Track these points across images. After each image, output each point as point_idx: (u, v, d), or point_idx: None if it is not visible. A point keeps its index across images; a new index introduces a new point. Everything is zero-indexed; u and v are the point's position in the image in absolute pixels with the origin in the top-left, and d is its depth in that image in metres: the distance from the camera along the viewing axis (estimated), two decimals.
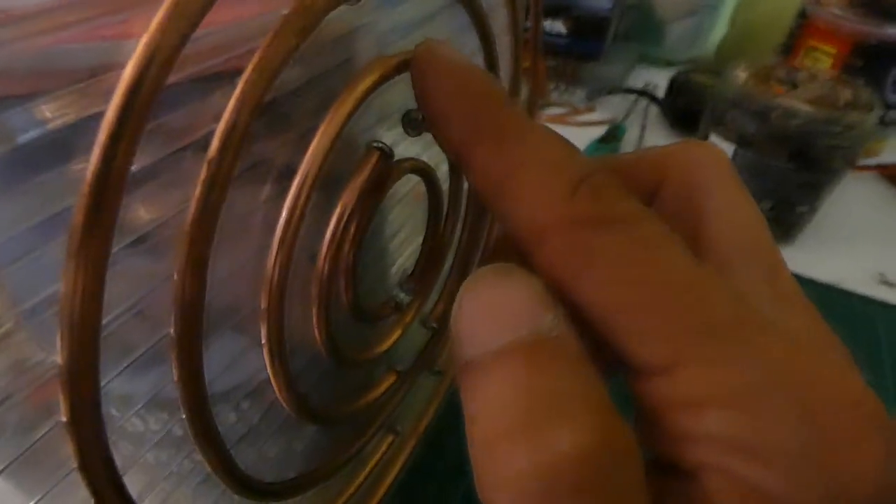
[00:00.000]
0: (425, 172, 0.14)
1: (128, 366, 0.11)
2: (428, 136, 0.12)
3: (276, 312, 0.11)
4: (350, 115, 0.11)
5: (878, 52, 0.41)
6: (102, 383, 0.08)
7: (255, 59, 0.08)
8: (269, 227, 0.11)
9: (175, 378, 0.10)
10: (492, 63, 0.16)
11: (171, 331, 0.09)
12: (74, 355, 0.08)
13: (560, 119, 0.48)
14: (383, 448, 0.18)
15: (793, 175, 0.32)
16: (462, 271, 0.19)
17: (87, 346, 0.08)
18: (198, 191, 0.08)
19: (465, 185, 0.17)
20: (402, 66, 0.12)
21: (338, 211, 0.12)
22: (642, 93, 0.50)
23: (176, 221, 0.10)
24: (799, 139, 0.31)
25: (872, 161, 0.45)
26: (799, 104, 0.30)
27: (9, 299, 0.09)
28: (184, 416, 0.10)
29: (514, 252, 0.10)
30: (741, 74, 0.33)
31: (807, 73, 0.33)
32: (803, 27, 0.45)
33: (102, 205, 0.07)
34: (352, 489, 0.17)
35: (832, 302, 0.32)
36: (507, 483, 0.07)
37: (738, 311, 0.08)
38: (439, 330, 0.18)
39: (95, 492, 0.09)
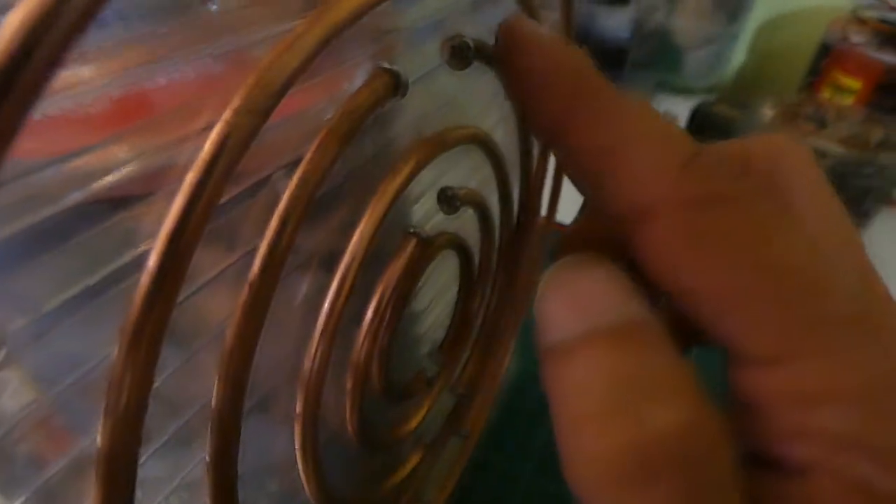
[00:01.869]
0: (459, 246, 0.14)
1: (154, 450, 0.10)
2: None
3: (312, 406, 0.11)
4: (392, 203, 0.10)
5: None
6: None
7: (298, 173, 0.08)
8: (309, 315, 0.10)
9: (207, 459, 0.09)
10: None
11: (213, 413, 0.09)
12: (116, 442, 0.07)
13: None
14: None
15: None
16: (489, 337, 0.18)
17: (132, 434, 0.07)
18: (238, 314, 0.08)
19: (496, 247, 0.17)
20: (440, 146, 0.11)
21: (375, 300, 0.11)
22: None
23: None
24: (830, 181, 0.30)
25: None
26: (830, 144, 0.30)
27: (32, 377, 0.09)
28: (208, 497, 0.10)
29: (587, 244, 0.10)
30: (768, 112, 0.33)
31: (835, 110, 0.32)
32: (827, 60, 0.44)
33: (162, 296, 0.06)
34: None
35: None
36: (599, 459, 0.07)
37: (860, 302, 0.08)
38: (467, 396, 0.18)
39: None
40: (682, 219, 0.08)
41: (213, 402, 0.08)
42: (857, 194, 0.30)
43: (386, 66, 0.09)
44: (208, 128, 0.06)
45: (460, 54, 0.11)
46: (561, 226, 0.39)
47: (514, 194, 0.17)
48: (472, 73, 0.15)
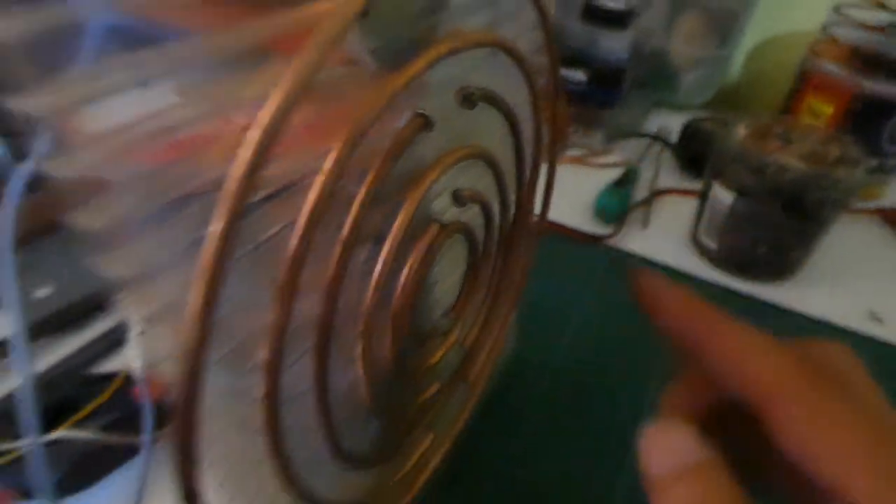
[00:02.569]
0: (467, 232, 0.19)
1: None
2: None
3: (367, 340, 0.16)
4: (421, 199, 0.16)
5: (874, 106, 0.45)
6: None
7: (367, 179, 0.13)
8: (366, 274, 0.15)
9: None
10: (537, 110, 0.21)
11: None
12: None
13: (579, 160, 0.53)
14: (426, 444, 0.23)
15: (786, 223, 0.36)
16: (491, 307, 0.23)
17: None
18: (332, 271, 0.13)
19: (495, 237, 0.22)
20: (453, 160, 0.17)
21: (408, 266, 0.16)
22: (656, 137, 0.54)
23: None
24: (791, 192, 0.35)
25: (873, 204, 0.48)
26: (791, 160, 0.34)
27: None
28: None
29: (681, 404, 0.16)
30: (741, 131, 0.37)
31: (801, 130, 0.37)
32: (803, 82, 0.49)
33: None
34: (399, 475, 0.22)
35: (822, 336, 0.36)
36: None
37: None
38: (471, 350, 0.23)
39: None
40: (802, 402, 0.13)
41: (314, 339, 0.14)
42: (816, 204, 0.35)
43: (420, 111, 0.15)
44: (325, 153, 0.12)
45: (469, 99, 0.17)
46: (551, 224, 0.43)
47: (510, 196, 0.22)
48: (480, 107, 0.21)
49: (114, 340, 0.32)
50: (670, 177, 0.51)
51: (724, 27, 0.59)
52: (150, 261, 0.12)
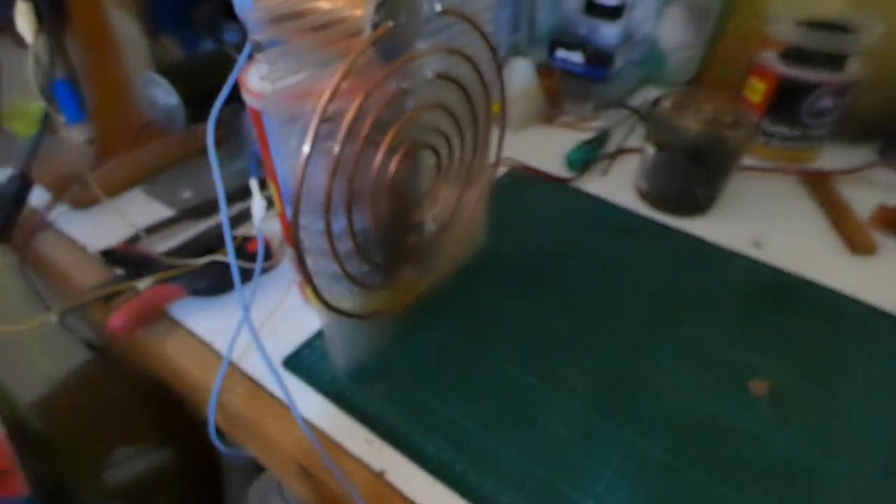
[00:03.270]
0: (432, 147, 0.36)
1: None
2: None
3: (381, 203, 0.33)
4: (403, 125, 0.32)
5: (795, 87, 0.57)
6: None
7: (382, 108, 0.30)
8: (374, 170, 0.32)
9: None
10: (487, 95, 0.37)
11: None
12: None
13: (570, 125, 0.68)
14: (414, 277, 0.40)
15: (690, 170, 0.50)
16: (460, 197, 0.40)
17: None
18: (354, 163, 0.30)
19: (457, 154, 0.38)
20: (430, 105, 0.33)
21: (395, 164, 0.33)
22: (633, 108, 0.68)
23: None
24: (691, 147, 0.49)
25: (796, 166, 0.61)
26: (693, 124, 0.49)
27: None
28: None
29: None
30: (667, 103, 0.52)
31: (709, 101, 0.51)
32: (750, 66, 0.61)
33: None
34: (396, 292, 0.39)
35: (715, 256, 0.50)
36: None
37: None
38: (447, 223, 0.40)
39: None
40: None
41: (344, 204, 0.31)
42: (710, 156, 0.49)
43: (403, 85, 0.31)
44: (354, 102, 0.28)
45: (438, 76, 0.33)
46: (531, 168, 0.57)
47: (467, 132, 0.38)
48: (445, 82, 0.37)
49: (236, 218, 0.51)
50: (635, 140, 0.65)
51: (702, 18, 0.71)
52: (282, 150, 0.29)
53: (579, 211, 0.55)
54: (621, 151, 0.62)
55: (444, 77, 0.34)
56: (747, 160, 0.62)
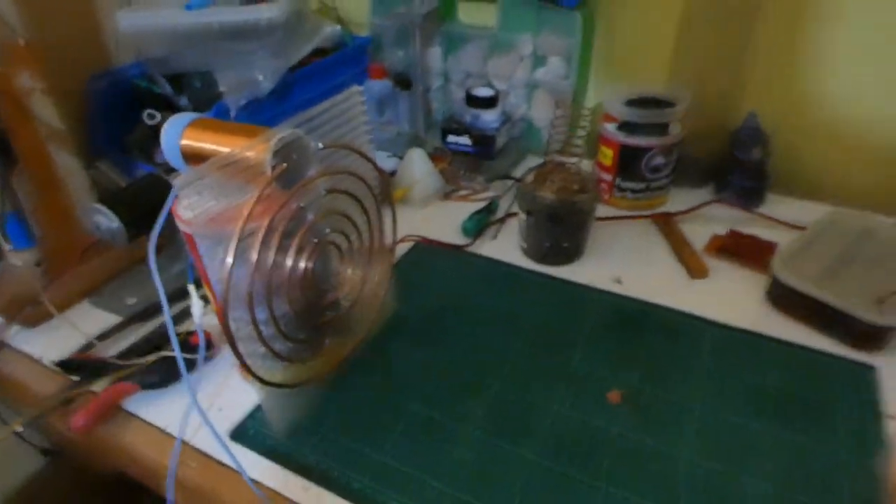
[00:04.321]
0: (333, 244, 0.46)
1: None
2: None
3: (298, 296, 0.42)
4: (307, 230, 0.42)
5: (633, 151, 0.72)
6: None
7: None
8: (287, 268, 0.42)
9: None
10: (376, 198, 0.48)
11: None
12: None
13: (465, 198, 0.80)
14: (333, 347, 0.49)
15: (554, 229, 0.62)
16: (364, 279, 0.50)
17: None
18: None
19: (356, 248, 0.48)
20: (328, 213, 0.43)
21: (304, 263, 0.43)
22: (515, 179, 0.81)
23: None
24: (550, 211, 0.61)
25: (649, 211, 0.75)
26: (548, 193, 0.61)
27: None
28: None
29: None
30: (530, 176, 0.64)
31: (559, 172, 0.63)
32: (597, 137, 0.76)
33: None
34: (318, 362, 0.48)
35: (583, 294, 0.62)
36: None
37: None
38: (356, 301, 0.49)
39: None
40: None
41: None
42: (566, 217, 0.61)
43: (301, 204, 0.41)
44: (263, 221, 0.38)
45: (329, 192, 0.43)
46: (430, 239, 0.67)
47: (364, 229, 0.49)
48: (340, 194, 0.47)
49: (179, 316, 0.59)
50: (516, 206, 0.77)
51: (562, 101, 0.86)
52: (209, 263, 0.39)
53: (474, 271, 0.65)
54: (508, 216, 0.75)
55: (335, 191, 0.45)
56: (609, 211, 0.76)
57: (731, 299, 0.60)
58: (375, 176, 0.50)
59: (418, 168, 0.76)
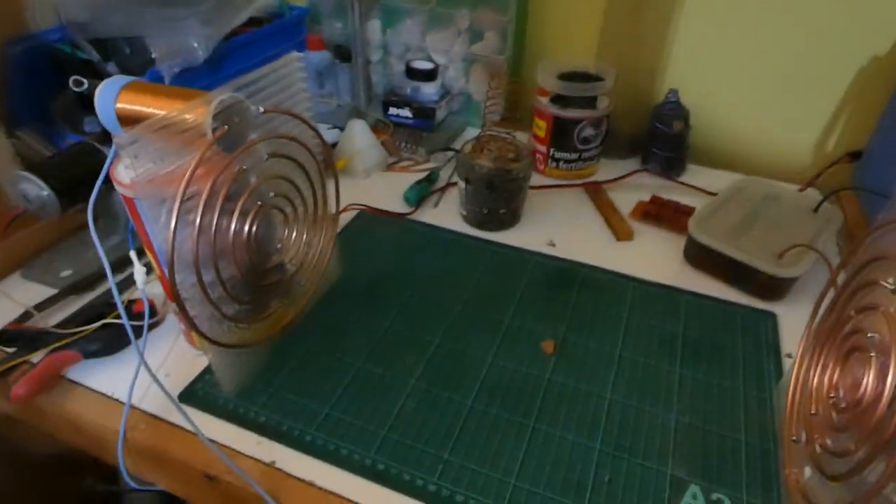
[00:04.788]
0: (277, 208, 0.47)
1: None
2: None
3: (245, 257, 0.43)
4: (251, 192, 0.43)
5: (565, 123, 0.76)
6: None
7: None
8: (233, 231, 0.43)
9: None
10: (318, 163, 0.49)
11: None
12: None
13: (406, 169, 0.82)
14: (279, 309, 0.50)
15: (491, 196, 0.66)
16: (309, 243, 0.51)
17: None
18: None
19: (301, 212, 0.50)
20: (269, 177, 0.44)
21: (248, 225, 0.44)
22: (455, 150, 0.84)
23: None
24: (487, 179, 0.64)
25: (581, 181, 0.79)
26: (485, 163, 0.64)
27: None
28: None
29: None
30: (468, 146, 0.67)
31: (495, 141, 0.66)
32: (533, 109, 0.79)
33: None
34: (264, 324, 0.49)
35: (519, 257, 0.65)
36: None
37: None
38: (301, 265, 0.51)
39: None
40: None
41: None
42: (501, 185, 0.65)
43: (243, 167, 0.42)
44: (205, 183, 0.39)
45: (271, 155, 0.44)
46: (375, 208, 0.69)
47: (307, 194, 0.50)
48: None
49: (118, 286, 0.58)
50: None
51: (497, 75, 0.89)
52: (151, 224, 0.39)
53: (416, 237, 0.68)
54: (448, 186, 0.77)
55: (277, 155, 0.46)
56: (544, 181, 0.80)
57: (653, 258, 0.66)
58: (318, 143, 0.51)
59: (360, 139, 0.77)
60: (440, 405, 0.48)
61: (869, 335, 0.35)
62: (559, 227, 0.71)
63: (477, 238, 0.68)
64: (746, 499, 0.42)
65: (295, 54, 0.48)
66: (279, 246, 0.49)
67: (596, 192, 0.77)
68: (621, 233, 0.69)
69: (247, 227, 0.44)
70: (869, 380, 0.33)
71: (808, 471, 0.38)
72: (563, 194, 0.78)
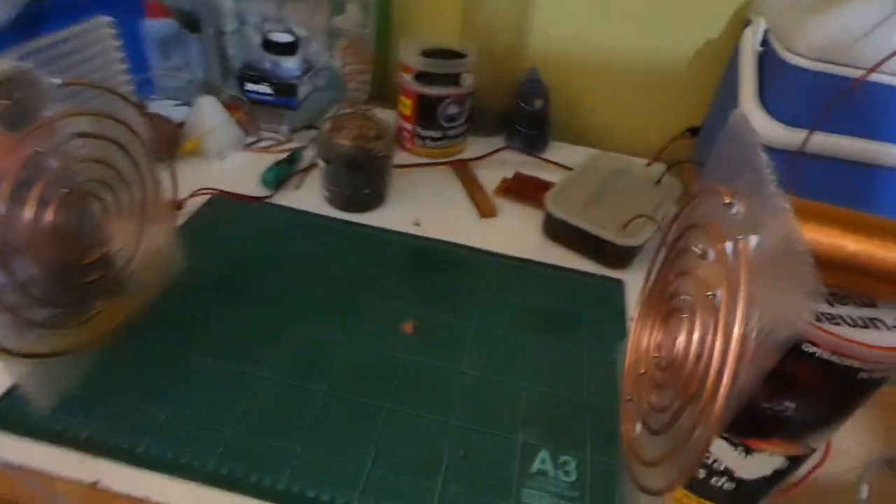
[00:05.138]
0: (91, 195, 0.42)
1: None
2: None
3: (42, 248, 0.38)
4: (56, 176, 0.38)
5: (429, 101, 0.75)
6: None
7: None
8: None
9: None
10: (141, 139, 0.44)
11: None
12: None
13: (268, 149, 0.77)
14: (104, 310, 0.45)
15: (350, 177, 0.64)
16: (140, 233, 0.46)
17: None
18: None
19: (126, 200, 0.45)
20: (84, 159, 0.39)
21: (51, 215, 0.38)
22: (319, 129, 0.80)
23: None
24: (347, 159, 0.62)
25: (448, 159, 0.79)
26: (344, 141, 0.62)
27: None
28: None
29: None
30: (327, 124, 0.64)
31: (355, 118, 0.64)
32: (397, 87, 0.78)
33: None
34: (82, 328, 0.44)
35: (383, 238, 0.64)
36: None
37: None
38: (130, 258, 0.46)
39: None
40: None
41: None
42: (363, 164, 0.63)
43: (38, 149, 0.36)
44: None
45: (82, 136, 0.39)
46: (228, 192, 0.64)
47: (132, 178, 0.45)
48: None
49: None
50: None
51: (363, 51, 0.86)
52: None
53: (276, 222, 0.64)
54: (312, 166, 0.74)
55: (88, 135, 0.40)
56: (411, 159, 0.79)
57: (514, 234, 0.68)
58: (143, 122, 0.46)
59: (210, 117, 0.71)
60: (292, 397, 0.46)
61: (683, 298, 0.38)
62: (425, 206, 0.71)
63: (341, 220, 0.66)
64: (591, 458, 0.44)
65: (103, 18, 0.42)
66: (99, 238, 0.44)
67: (462, 170, 0.78)
68: (485, 210, 0.70)
69: (49, 218, 0.39)
70: (681, 339, 0.36)
71: (638, 426, 0.41)
72: (431, 173, 0.77)
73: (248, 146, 0.77)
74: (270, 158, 0.74)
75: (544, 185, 0.74)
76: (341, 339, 0.51)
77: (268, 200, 0.68)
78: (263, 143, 0.78)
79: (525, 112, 0.82)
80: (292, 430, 0.43)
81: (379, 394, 0.47)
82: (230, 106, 0.77)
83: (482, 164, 0.80)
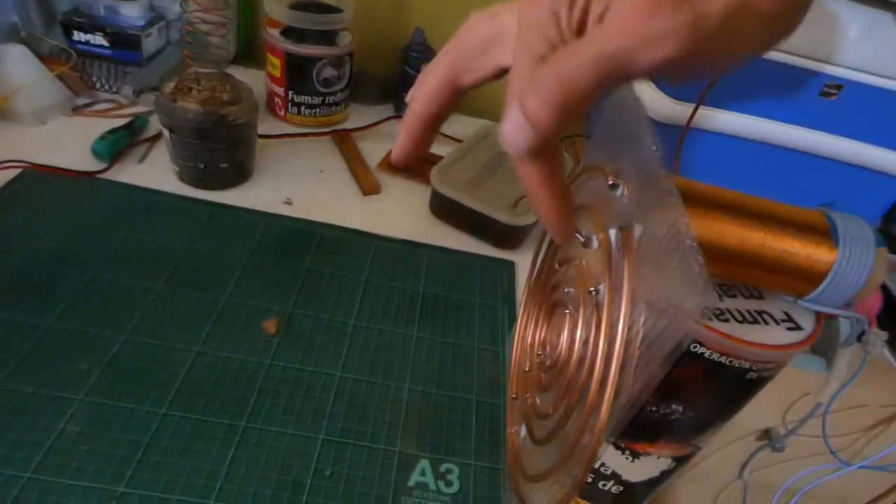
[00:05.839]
0: None
1: None
2: None
3: None
4: None
5: (301, 62, 0.66)
6: None
7: None
8: None
9: None
10: None
11: None
12: None
13: (104, 113, 0.64)
14: None
15: (203, 147, 0.54)
16: None
17: None
18: None
19: None
20: None
21: None
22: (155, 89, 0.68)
23: None
24: (196, 126, 0.52)
25: (327, 129, 0.71)
26: (191, 105, 0.52)
27: None
28: None
29: None
30: (169, 84, 0.53)
31: (206, 80, 0.54)
32: (263, 44, 0.68)
33: None
34: None
35: (245, 219, 0.55)
36: None
37: None
38: None
39: None
40: None
41: None
42: (216, 132, 0.53)
43: None
44: None
45: None
46: (49, 167, 0.52)
47: None
48: None
49: None
50: None
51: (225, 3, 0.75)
52: None
53: (109, 203, 0.53)
54: (160, 135, 0.63)
55: None
56: (285, 129, 0.70)
57: (400, 213, 0.62)
58: None
59: (18, 72, 0.58)
60: (119, 422, 0.37)
61: (565, 290, 0.34)
62: (299, 182, 0.62)
63: (194, 199, 0.56)
64: (475, 465, 0.40)
65: None
66: None
67: (343, 142, 0.70)
68: (368, 186, 0.64)
69: None
70: (564, 338, 0.32)
71: (523, 430, 0.37)
72: (307, 145, 0.69)
73: (78, 109, 0.64)
74: (107, 125, 0.61)
75: (433, 159, 0.68)
76: (187, 347, 0.43)
77: (100, 176, 0.56)
78: (100, 106, 0.65)
79: (412, 78, 0.75)
80: (116, 464, 0.35)
81: (234, 410, 0.40)
82: (52, 59, 0.63)
83: (365, 136, 0.72)
